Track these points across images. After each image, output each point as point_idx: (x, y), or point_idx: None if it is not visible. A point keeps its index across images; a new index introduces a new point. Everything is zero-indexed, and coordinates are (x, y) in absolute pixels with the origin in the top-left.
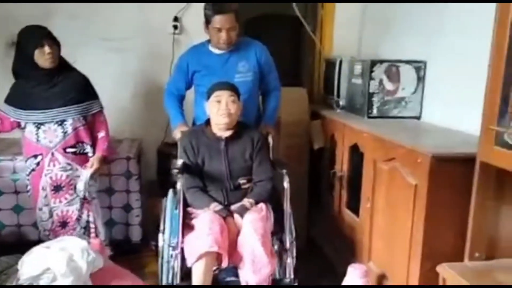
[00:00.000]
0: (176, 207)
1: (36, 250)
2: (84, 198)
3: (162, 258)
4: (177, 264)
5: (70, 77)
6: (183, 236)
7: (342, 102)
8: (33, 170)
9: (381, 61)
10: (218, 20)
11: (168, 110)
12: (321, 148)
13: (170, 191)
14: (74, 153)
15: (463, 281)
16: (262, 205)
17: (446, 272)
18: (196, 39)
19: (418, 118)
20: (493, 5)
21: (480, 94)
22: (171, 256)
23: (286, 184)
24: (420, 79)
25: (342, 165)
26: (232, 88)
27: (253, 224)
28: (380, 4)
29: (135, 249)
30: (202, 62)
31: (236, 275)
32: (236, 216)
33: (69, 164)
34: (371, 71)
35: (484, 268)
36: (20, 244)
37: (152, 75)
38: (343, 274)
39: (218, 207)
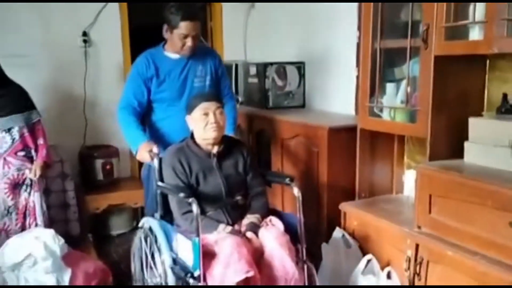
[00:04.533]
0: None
1: (12, 241)
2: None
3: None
4: None
5: (12, 88)
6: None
7: (241, 99)
8: None
9: (272, 63)
10: (185, 26)
11: (125, 128)
12: None
13: (148, 219)
14: (24, 155)
15: (357, 210)
16: (272, 218)
17: (346, 207)
18: (105, 51)
19: (303, 106)
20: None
21: (349, 84)
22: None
23: (297, 193)
24: (302, 76)
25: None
26: (219, 99)
27: (279, 240)
28: (261, 16)
29: (75, 242)
30: (159, 68)
31: None
32: (249, 234)
33: (22, 164)
34: (265, 71)
35: (369, 202)
36: None
37: (65, 87)
38: None
39: (228, 228)
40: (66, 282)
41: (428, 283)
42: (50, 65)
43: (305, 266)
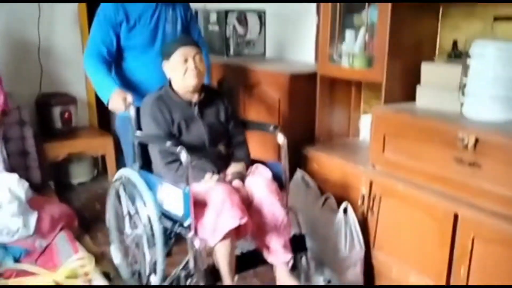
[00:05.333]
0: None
1: None
2: None
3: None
4: (198, 245)
5: None
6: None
7: None
8: None
9: (232, 10)
10: None
11: (94, 76)
12: None
13: (126, 170)
14: None
15: (316, 153)
16: (258, 166)
17: (306, 150)
18: None
19: (264, 55)
20: None
21: (309, 33)
22: (175, 237)
23: (282, 141)
24: (262, 24)
25: None
26: (197, 44)
27: (268, 188)
28: None
29: (36, 189)
30: (129, 12)
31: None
32: (236, 183)
33: None
34: (226, 19)
35: (328, 145)
36: None
37: (18, 33)
38: None
39: (215, 176)
40: (32, 224)
41: (380, 217)
42: (2, 10)
43: (293, 212)
